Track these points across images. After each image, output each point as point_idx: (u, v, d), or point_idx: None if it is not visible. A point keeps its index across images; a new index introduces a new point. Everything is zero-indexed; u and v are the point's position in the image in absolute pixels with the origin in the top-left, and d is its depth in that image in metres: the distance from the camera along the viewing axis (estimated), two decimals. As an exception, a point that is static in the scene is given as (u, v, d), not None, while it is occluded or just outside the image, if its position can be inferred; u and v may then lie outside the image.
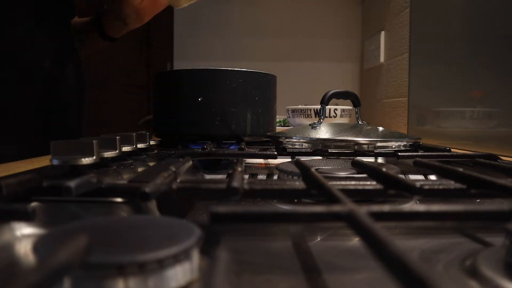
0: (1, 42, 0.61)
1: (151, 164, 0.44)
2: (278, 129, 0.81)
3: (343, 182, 0.27)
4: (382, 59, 1.32)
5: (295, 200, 0.34)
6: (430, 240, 0.25)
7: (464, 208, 0.21)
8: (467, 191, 0.27)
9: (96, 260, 0.15)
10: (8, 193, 0.23)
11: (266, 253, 0.23)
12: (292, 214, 0.19)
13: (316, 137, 0.57)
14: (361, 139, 0.56)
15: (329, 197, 0.23)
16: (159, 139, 0.72)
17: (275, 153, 0.49)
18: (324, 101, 0.67)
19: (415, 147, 0.60)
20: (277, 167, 0.42)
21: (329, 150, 0.55)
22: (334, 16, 1.61)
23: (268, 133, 0.71)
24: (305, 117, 1.07)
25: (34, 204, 0.20)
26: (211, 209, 0.19)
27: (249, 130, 0.68)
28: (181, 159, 0.37)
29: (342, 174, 0.38)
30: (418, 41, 1.04)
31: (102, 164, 0.39)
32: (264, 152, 0.50)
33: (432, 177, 0.47)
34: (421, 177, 0.47)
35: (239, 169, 0.31)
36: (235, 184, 0.25)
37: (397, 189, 0.27)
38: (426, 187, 0.26)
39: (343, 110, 1.05)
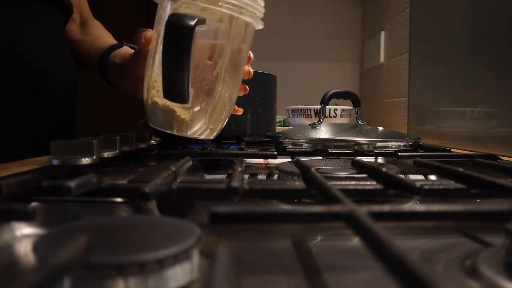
0: None
1: (151, 164, 0.44)
2: (278, 129, 0.81)
3: (343, 182, 0.27)
4: (382, 59, 1.32)
5: (295, 200, 0.34)
6: (430, 240, 0.25)
7: (464, 208, 0.21)
8: (467, 191, 0.27)
9: (96, 260, 0.15)
10: (8, 193, 0.23)
11: (266, 253, 0.23)
12: (292, 214, 0.19)
13: (316, 137, 0.58)
14: (361, 139, 0.56)
15: (329, 197, 0.23)
16: (159, 139, 0.72)
17: (275, 153, 0.49)
18: (324, 101, 0.67)
19: (415, 147, 0.60)
20: (277, 167, 0.42)
21: (329, 150, 0.55)
22: (334, 16, 1.61)
23: (268, 133, 0.71)
24: (305, 117, 1.07)
25: (34, 204, 0.20)
26: (211, 209, 0.19)
27: (249, 130, 0.68)
28: (181, 159, 0.37)
29: (342, 174, 0.38)
30: (418, 41, 1.04)
31: (102, 164, 0.39)
32: (264, 152, 0.50)
33: (432, 177, 0.47)
34: (421, 177, 0.47)
35: (239, 169, 0.31)
36: (235, 184, 0.25)
37: (397, 189, 0.27)
38: (426, 187, 0.26)
39: (343, 110, 1.06)
